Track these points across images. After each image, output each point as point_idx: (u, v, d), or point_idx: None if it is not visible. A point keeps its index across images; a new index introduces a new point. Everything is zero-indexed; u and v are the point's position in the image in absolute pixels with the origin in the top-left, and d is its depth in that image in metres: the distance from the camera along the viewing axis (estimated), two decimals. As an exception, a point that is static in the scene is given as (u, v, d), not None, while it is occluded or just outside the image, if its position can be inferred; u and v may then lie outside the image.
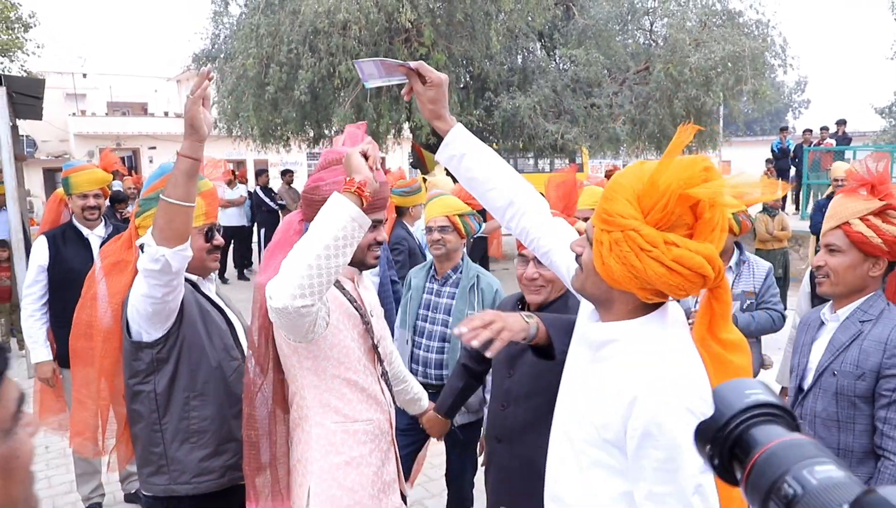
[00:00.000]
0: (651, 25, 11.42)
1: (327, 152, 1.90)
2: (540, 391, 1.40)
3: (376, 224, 1.86)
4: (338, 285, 1.86)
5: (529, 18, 9.94)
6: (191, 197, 1.80)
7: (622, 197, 1.19)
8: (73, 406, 2.31)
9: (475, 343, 1.40)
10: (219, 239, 2.17)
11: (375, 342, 1.92)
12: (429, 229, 2.82)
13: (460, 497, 2.99)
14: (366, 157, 1.65)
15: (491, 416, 2.08)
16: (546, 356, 1.53)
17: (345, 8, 8.43)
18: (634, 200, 1.18)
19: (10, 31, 14.39)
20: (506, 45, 10.21)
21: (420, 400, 2.39)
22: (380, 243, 1.93)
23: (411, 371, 2.77)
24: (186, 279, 2.03)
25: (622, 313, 1.27)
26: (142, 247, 1.82)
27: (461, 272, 2.85)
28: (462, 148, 1.58)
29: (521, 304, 2.07)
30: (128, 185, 8.30)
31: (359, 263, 1.90)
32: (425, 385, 2.73)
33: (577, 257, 1.32)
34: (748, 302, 3.18)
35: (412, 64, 1.57)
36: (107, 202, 3.62)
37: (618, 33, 10.97)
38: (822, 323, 2.05)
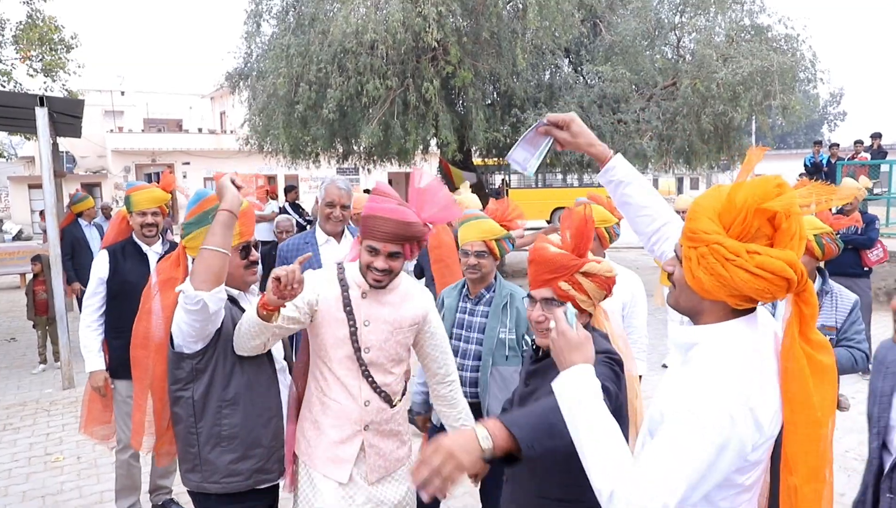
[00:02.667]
0: (678, 41, 11.35)
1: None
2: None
3: (372, 252, 2.14)
4: (344, 289, 2.21)
5: (556, 35, 9.97)
6: (227, 245, 2.04)
7: (704, 216, 1.31)
8: (133, 409, 2.56)
9: (424, 497, 1.38)
10: (255, 255, 2.36)
11: (358, 346, 2.19)
12: (465, 253, 2.82)
13: None
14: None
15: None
16: (511, 461, 1.46)
17: (372, 28, 8.59)
18: (715, 217, 1.30)
19: (54, 53, 14.89)
20: (532, 62, 10.25)
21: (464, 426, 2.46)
22: (380, 271, 2.15)
23: None
24: (227, 294, 2.21)
25: (711, 321, 1.37)
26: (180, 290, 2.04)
27: (494, 292, 2.86)
28: (623, 176, 1.76)
29: (533, 349, 2.01)
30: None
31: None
32: None
33: (670, 275, 1.44)
34: (828, 338, 2.80)
35: (543, 124, 1.72)
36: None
37: (645, 49, 10.92)
38: None
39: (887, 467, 1.87)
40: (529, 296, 1.92)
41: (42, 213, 16.16)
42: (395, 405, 2.30)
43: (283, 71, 9.47)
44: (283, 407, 2.35)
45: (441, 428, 2.87)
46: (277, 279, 1.94)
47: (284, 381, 2.43)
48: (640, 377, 3.27)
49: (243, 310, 2.27)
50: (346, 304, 2.19)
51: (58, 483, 4.38)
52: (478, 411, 2.80)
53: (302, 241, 3.57)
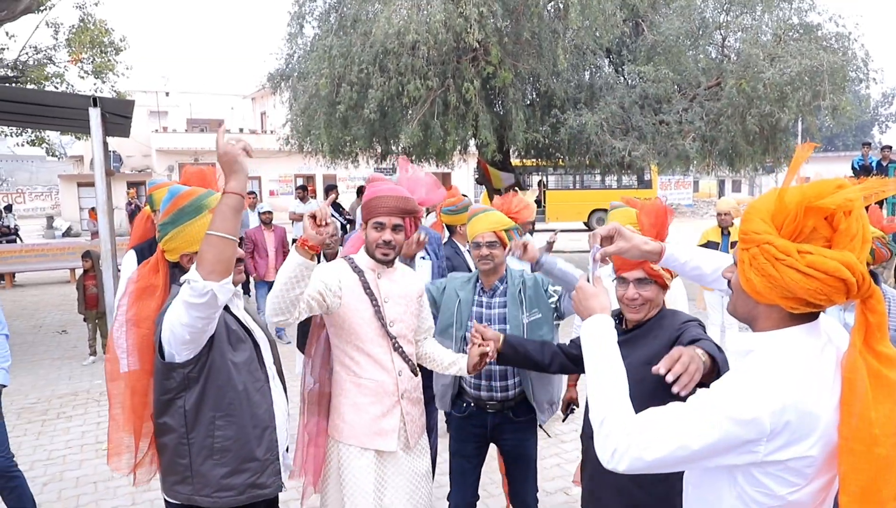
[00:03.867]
0: (723, 40, 11.12)
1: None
2: (633, 399, 1.49)
3: (379, 227, 2.43)
4: (359, 274, 2.45)
5: (597, 35, 9.88)
6: (237, 231, 1.88)
7: (756, 217, 1.29)
8: (109, 425, 2.34)
9: (676, 387, 1.61)
10: (239, 252, 2.16)
11: (384, 321, 2.43)
12: (476, 245, 2.83)
13: None
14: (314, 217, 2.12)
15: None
16: None
17: (414, 29, 8.64)
18: (768, 218, 1.27)
19: (104, 55, 15.40)
20: (573, 62, 10.19)
21: (455, 364, 2.64)
22: (387, 243, 2.43)
23: (473, 387, 2.83)
24: None
25: (767, 327, 1.33)
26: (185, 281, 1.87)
27: (507, 282, 2.88)
28: (683, 257, 1.84)
29: (619, 319, 2.24)
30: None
31: (372, 256, 2.47)
32: (490, 399, 2.79)
33: (729, 282, 1.42)
34: None
35: (597, 252, 1.82)
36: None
37: (688, 49, 10.74)
38: None
39: None
40: (621, 278, 2.15)
41: (92, 210, 16.69)
42: (417, 375, 2.57)
43: (325, 72, 9.60)
44: (275, 418, 2.23)
45: (456, 414, 2.91)
46: (313, 217, 2.11)
47: (276, 389, 2.31)
48: None
49: (234, 315, 2.17)
50: (366, 286, 2.44)
51: (108, 470, 4.47)
52: (523, 403, 2.80)
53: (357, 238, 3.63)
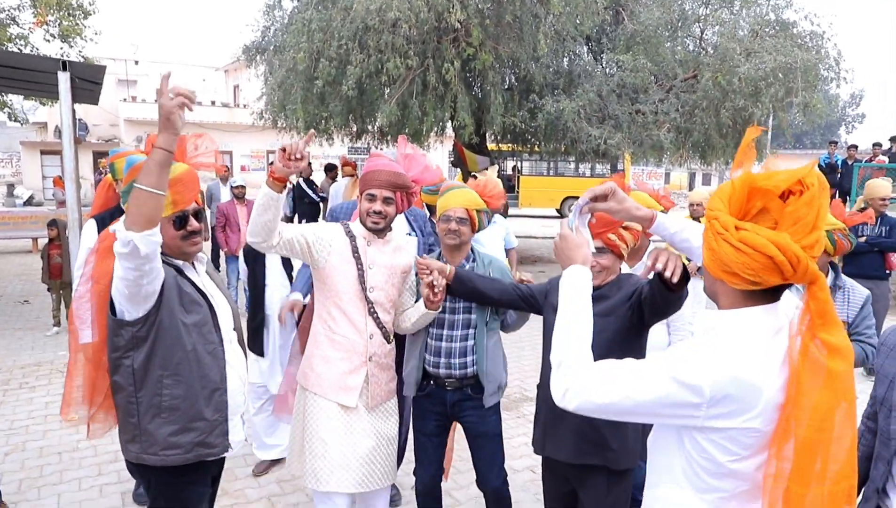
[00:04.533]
0: (701, 33, 11.25)
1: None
2: (597, 345, 1.63)
3: (371, 198, 2.61)
4: (351, 237, 2.65)
5: (578, 22, 9.90)
6: (162, 186, 1.90)
7: (717, 195, 1.37)
8: (65, 379, 2.42)
9: (667, 271, 1.82)
10: (193, 224, 2.21)
11: (365, 285, 2.62)
12: (447, 218, 2.79)
13: (498, 497, 2.91)
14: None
15: (544, 364, 2.46)
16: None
17: (396, 6, 8.54)
18: (725, 197, 1.34)
19: (71, 18, 14.86)
20: (553, 47, 10.19)
21: (418, 307, 2.75)
22: (377, 213, 2.61)
23: (432, 365, 2.81)
24: (170, 264, 2.13)
25: (726, 306, 1.40)
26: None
27: (475, 261, 2.88)
28: (672, 227, 1.86)
29: None
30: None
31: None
32: (448, 377, 2.80)
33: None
34: None
35: (586, 203, 1.80)
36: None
37: (667, 40, 10.84)
38: None
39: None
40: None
41: (58, 178, 16.19)
42: (390, 342, 2.73)
43: (303, 46, 9.44)
44: (227, 381, 2.24)
45: (418, 397, 2.93)
46: (283, 149, 2.24)
47: (235, 352, 2.33)
48: None
49: (189, 280, 2.19)
50: (355, 250, 2.63)
51: (73, 441, 4.45)
52: (478, 383, 2.81)
53: (354, 207, 3.59)
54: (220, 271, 8.32)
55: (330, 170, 11.26)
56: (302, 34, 9.55)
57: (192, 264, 2.29)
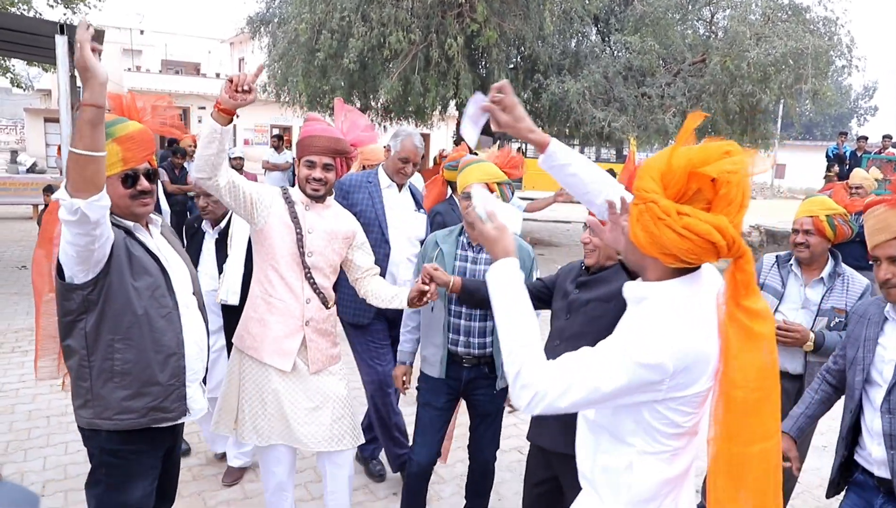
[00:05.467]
0: (712, 16, 11.07)
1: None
2: (589, 333, 1.61)
3: (310, 165, 2.60)
4: (289, 203, 2.62)
5: (586, 1, 9.74)
6: (98, 146, 1.77)
7: (648, 175, 1.37)
8: (36, 334, 2.40)
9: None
10: (143, 184, 2.11)
11: (303, 250, 2.60)
12: (466, 196, 2.72)
13: (484, 470, 2.97)
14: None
15: (545, 350, 2.32)
16: None
17: (400, -22, 8.41)
18: (658, 177, 1.35)
19: (75, -17, 14.73)
20: (560, 27, 10.05)
21: (397, 297, 2.72)
22: (317, 179, 2.60)
23: (452, 343, 2.78)
24: (119, 226, 2.06)
25: (653, 278, 1.44)
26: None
27: None
28: (564, 159, 1.80)
29: (583, 267, 2.37)
30: (187, 142, 8.42)
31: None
32: (467, 356, 2.77)
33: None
34: (836, 320, 2.79)
35: (484, 101, 1.72)
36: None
37: (676, 22, 10.67)
38: (887, 319, 2.15)
39: (881, 394, 2.09)
40: (584, 225, 2.26)
41: (59, 148, 16.16)
42: (329, 308, 2.71)
43: (305, 17, 9.32)
44: (184, 346, 2.18)
45: (424, 383, 2.90)
46: (231, 81, 2.18)
47: (192, 318, 2.26)
48: None
49: (140, 242, 2.11)
50: (294, 216, 2.61)
51: (63, 405, 4.45)
52: (491, 364, 2.79)
53: (365, 179, 3.55)
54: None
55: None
56: (304, 5, 9.43)
57: (147, 226, 2.21)
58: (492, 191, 2.77)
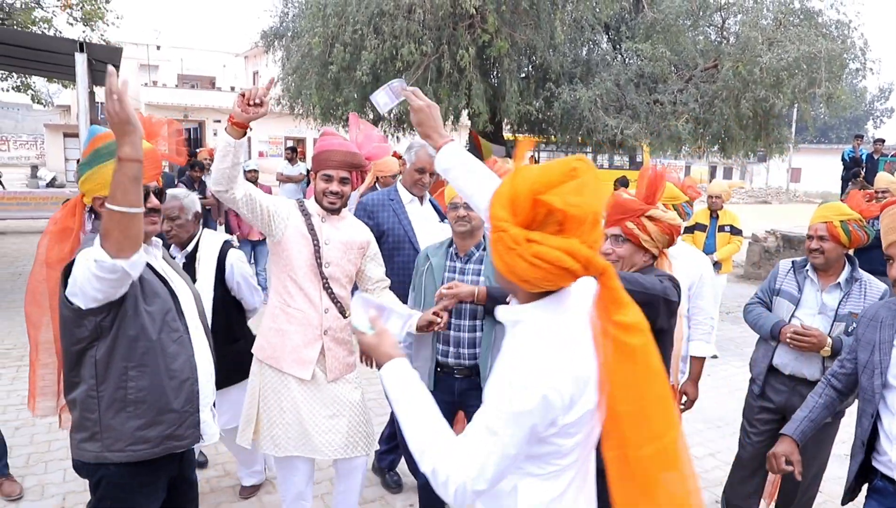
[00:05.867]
0: (723, 22, 11.02)
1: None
2: None
3: (327, 178, 2.68)
4: (306, 215, 2.71)
5: (597, 10, 9.75)
6: (140, 202, 1.74)
7: (499, 203, 1.32)
8: (30, 371, 2.32)
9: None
10: (153, 201, 2.10)
11: (321, 261, 2.68)
12: (454, 206, 2.74)
13: None
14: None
15: None
16: None
17: (411, -9, 8.48)
18: (508, 204, 1.30)
19: (94, 2, 14.99)
20: (570, 35, 10.06)
21: (410, 318, 2.70)
22: (334, 193, 2.68)
23: (442, 354, 2.79)
24: None
25: (524, 301, 1.41)
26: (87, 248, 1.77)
27: (484, 249, 2.81)
28: (448, 162, 1.84)
29: None
30: (203, 156, 8.57)
31: (320, 204, 2.73)
32: (458, 366, 2.76)
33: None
34: (854, 325, 2.73)
35: (409, 89, 1.84)
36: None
37: (687, 29, 10.63)
38: None
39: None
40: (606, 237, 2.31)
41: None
42: (346, 317, 2.77)
43: (318, 31, 9.42)
44: (197, 371, 2.14)
45: None
46: (243, 95, 2.25)
47: (199, 342, 2.22)
48: (704, 359, 3.22)
49: (149, 266, 2.07)
50: (311, 228, 2.69)
51: (82, 418, 4.51)
52: (478, 372, 2.78)
53: (387, 197, 3.59)
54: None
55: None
56: (317, 19, 9.53)
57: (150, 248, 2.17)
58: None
